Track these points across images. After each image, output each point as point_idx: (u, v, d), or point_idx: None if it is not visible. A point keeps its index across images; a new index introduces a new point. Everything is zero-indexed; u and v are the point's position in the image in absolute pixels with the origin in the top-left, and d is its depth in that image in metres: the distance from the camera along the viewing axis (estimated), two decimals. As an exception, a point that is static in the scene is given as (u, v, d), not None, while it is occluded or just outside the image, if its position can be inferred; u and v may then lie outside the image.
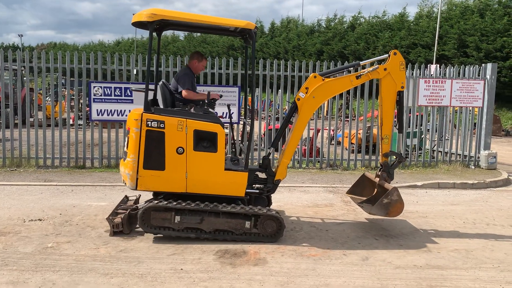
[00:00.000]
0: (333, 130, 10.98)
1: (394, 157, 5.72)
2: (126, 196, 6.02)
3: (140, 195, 6.07)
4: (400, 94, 5.52)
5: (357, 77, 5.46)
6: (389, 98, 5.51)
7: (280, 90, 10.59)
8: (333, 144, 10.87)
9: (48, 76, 9.25)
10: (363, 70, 5.59)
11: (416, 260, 4.61)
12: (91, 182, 7.83)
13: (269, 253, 4.67)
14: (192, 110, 5.35)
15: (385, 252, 4.82)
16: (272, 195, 5.77)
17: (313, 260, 4.54)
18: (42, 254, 4.48)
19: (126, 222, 5.14)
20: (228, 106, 6.05)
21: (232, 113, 9.24)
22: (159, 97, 5.50)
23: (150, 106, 5.01)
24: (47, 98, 18.78)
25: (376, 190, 5.67)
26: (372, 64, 5.99)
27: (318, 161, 10.04)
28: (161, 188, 5.05)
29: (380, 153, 5.70)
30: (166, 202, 4.90)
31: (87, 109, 9.49)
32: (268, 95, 9.98)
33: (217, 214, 4.94)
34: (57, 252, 4.54)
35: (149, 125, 4.88)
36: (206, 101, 5.30)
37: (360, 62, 5.82)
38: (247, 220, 4.96)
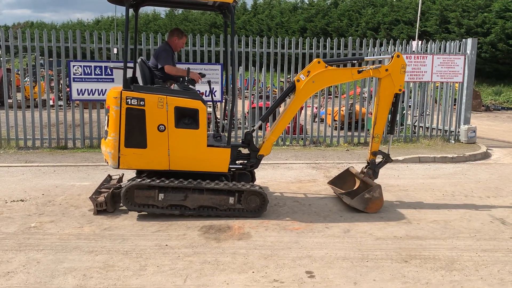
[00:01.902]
0: (316, 108, 11.03)
1: (382, 156, 5.81)
2: (109, 175, 6.01)
3: (123, 174, 6.06)
4: (397, 96, 5.60)
5: (359, 72, 5.52)
6: (386, 99, 5.58)
7: (263, 68, 10.53)
8: (316, 122, 10.94)
9: (26, 56, 9.03)
10: (365, 66, 5.68)
11: (396, 231, 4.73)
12: (73, 163, 7.77)
13: (253, 228, 4.73)
14: (172, 87, 5.31)
15: (366, 224, 4.93)
16: (256, 172, 5.83)
17: (296, 233, 4.62)
18: (25, 234, 4.47)
19: (110, 200, 5.14)
20: (209, 82, 6.00)
21: (215, 91, 9.20)
22: (138, 74, 5.44)
23: (129, 83, 4.96)
24: (26, 79, 18.40)
25: (358, 185, 5.80)
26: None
27: (302, 138, 10.11)
28: (144, 166, 5.05)
29: (369, 151, 5.78)
30: (149, 180, 4.91)
31: (67, 89, 9.33)
32: (251, 73, 9.93)
33: (201, 190, 4.96)
34: (41, 232, 4.53)
35: (129, 103, 4.84)
36: (186, 77, 5.26)
37: (365, 58, 5.89)
38: (231, 196, 5.00)
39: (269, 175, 7.12)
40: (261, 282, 3.56)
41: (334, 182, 6.15)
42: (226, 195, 5.00)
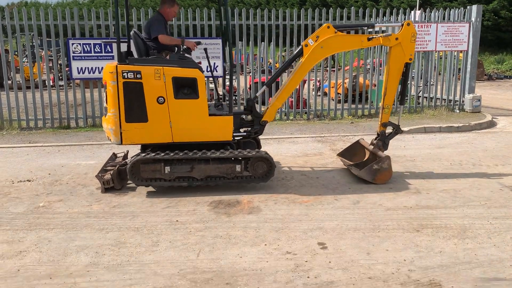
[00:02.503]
0: (319, 81, 10.91)
1: (392, 127, 5.74)
2: (114, 154, 5.96)
3: (128, 151, 6.02)
4: (407, 66, 5.48)
5: (369, 39, 5.39)
6: (396, 68, 5.46)
7: (263, 43, 10.36)
8: (319, 95, 10.83)
9: (23, 36, 8.87)
10: (375, 34, 5.53)
11: (406, 202, 4.72)
12: (77, 142, 7.72)
13: (262, 202, 4.72)
14: (167, 57, 5.20)
15: (376, 196, 4.90)
16: (262, 146, 5.76)
17: (305, 206, 4.61)
18: (35, 213, 4.46)
19: (116, 177, 5.11)
20: (205, 50, 5.84)
21: (217, 66, 9.07)
22: (132, 48, 5.33)
23: (124, 57, 4.85)
24: (24, 60, 18.22)
25: (368, 156, 5.74)
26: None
27: (305, 112, 10.02)
28: (147, 140, 4.99)
29: (379, 122, 5.70)
30: (154, 154, 4.86)
31: (67, 69, 9.20)
32: (252, 48, 9.76)
33: (207, 161, 4.92)
34: (50, 211, 4.52)
35: (126, 77, 4.74)
36: (181, 46, 5.15)
37: (375, 24, 5.75)
38: (237, 164, 4.97)
39: (275, 150, 7.08)
40: (274, 254, 3.56)
41: (343, 154, 6.11)
42: (232, 163, 4.97)
